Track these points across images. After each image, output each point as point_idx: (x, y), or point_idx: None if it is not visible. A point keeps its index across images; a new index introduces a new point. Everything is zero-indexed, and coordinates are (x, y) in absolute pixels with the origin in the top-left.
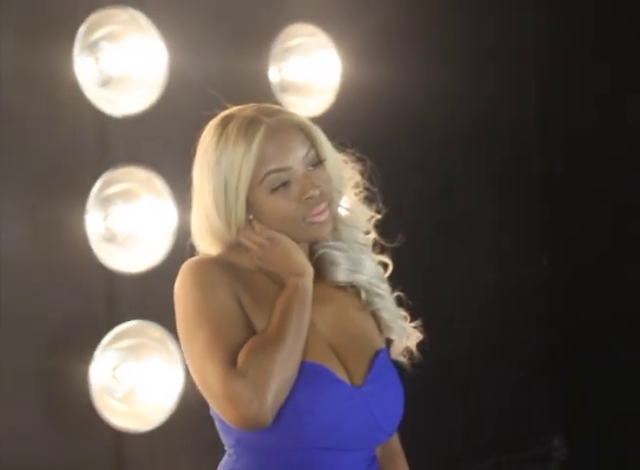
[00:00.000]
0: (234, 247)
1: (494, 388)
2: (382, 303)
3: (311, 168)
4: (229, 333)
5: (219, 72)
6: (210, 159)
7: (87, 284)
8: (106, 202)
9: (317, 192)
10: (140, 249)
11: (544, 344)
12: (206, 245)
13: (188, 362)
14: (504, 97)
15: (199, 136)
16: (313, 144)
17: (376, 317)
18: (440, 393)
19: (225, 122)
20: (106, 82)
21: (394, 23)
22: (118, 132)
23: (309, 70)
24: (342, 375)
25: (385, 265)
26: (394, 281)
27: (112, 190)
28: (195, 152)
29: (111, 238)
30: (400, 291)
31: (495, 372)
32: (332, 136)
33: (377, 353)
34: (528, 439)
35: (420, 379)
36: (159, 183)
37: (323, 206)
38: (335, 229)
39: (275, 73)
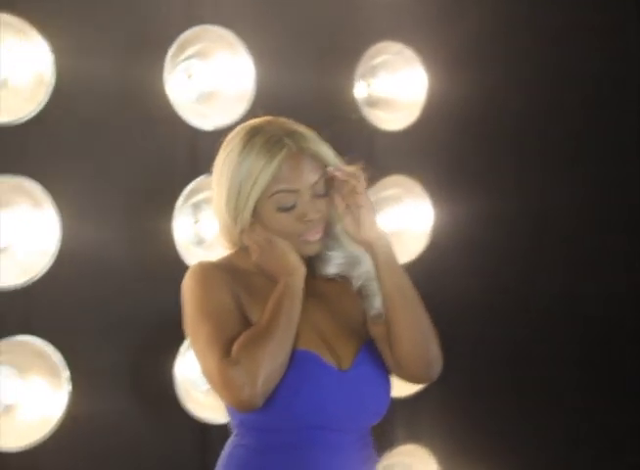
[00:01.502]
0: (240, 250)
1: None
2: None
3: (318, 196)
4: (226, 328)
5: (306, 88)
6: (233, 161)
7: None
8: (195, 208)
9: (317, 216)
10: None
11: None
12: (220, 242)
13: (194, 354)
14: (605, 108)
15: None
16: (324, 174)
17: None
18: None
19: (254, 133)
20: (197, 97)
21: (481, 34)
22: (208, 144)
23: (396, 86)
24: (330, 360)
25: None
26: None
27: (200, 197)
28: None
29: (199, 242)
30: None
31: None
32: (418, 149)
33: (364, 341)
34: None
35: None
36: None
37: (319, 229)
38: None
39: (362, 89)
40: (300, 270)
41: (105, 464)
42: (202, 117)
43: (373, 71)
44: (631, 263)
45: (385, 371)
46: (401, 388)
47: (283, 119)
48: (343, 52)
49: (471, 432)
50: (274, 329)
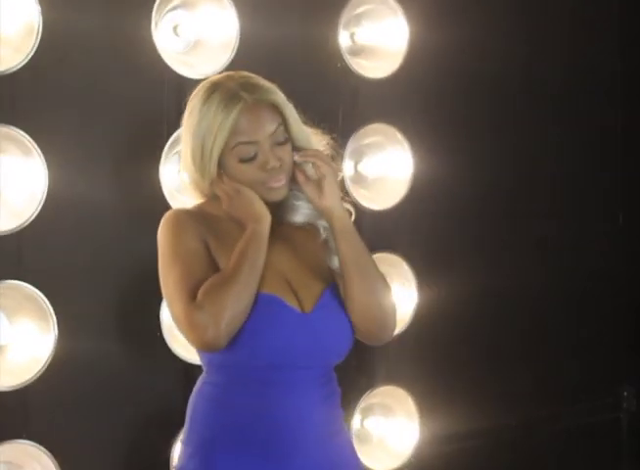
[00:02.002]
0: (211, 199)
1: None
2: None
3: (278, 144)
4: (194, 272)
5: (290, 38)
6: (194, 120)
7: None
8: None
9: (278, 164)
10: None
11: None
12: (191, 194)
13: (164, 297)
14: (586, 59)
15: None
16: (283, 122)
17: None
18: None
19: (211, 90)
20: (183, 47)
21: None
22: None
23: (378, 35)
24: (292, 303)
25: (349, 213)
26: None
27: None
28: None
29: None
30: None
31: (569, 321)
32: (402, 97)
33: (328, 285)
34: (599, 388)
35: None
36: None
37: (282, 176)
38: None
39: (346, 38)
40: (266, 218)
41: (91, 404)
42: (188, 66)
43: (356, 20)
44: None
45: (344, 315)
46: None
47: (242, 73)
48: (326, 1)
49: (447, 375)
50: (238, 274)
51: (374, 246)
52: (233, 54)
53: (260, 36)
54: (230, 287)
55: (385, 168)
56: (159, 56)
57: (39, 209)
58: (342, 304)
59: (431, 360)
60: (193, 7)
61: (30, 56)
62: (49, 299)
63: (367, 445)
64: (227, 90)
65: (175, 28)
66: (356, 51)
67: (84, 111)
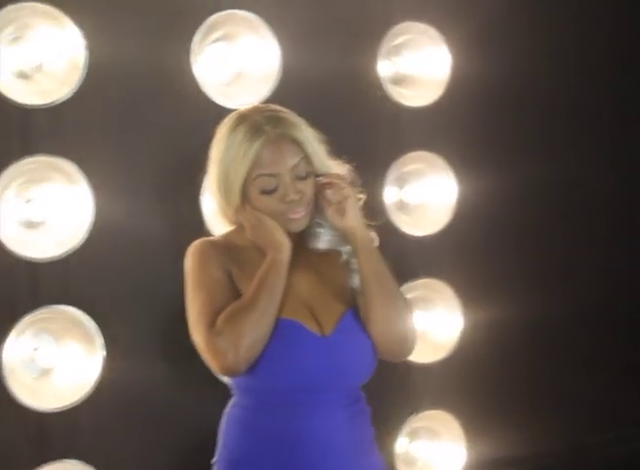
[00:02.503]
0: (238, 227)
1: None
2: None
3: (299, 178)
4: (216, 300)
5: (331, 68)
6: (220, 149)
7: None
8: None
9: (297, 197)
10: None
11: None
12: (219, 220)
13: (189, 323)
14: (630, 77)
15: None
16: (305, 156)
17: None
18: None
19: (238, 122)
20: (224, 79)
21: (503, 13)
22: None
23: (419, 64)
24: (312, 327)
25: (374, 239)
26: None
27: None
28: None
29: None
30: None
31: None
32: (443, 125)
33: (349, 308)
34: None
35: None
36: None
37: (301, 208)
38: None
39: (386, 67)
40: (286, 246)
41: (137, 425)
42: (229, 97)
43: (397, 50)
44: None
45: (365, 339)
46: (425, 355)
47: (270, 107)
48: (367, 32)
49: (493, 399)
50: (257, 301)
51: (417, 272)
52: (274, 85)
53: (302, 67)
54: (249, 314)
55: (427, 195)
56: (200, 88)
57: (86, 236)
58: (363, 326)
59: (476, 385)
60: (234, 39)
61: (76, 89)
62: (95, 322)
63: (412, 468)
64: (253, 123)
65: (217, 61)
66: (398, 80)
67: (127, 141)
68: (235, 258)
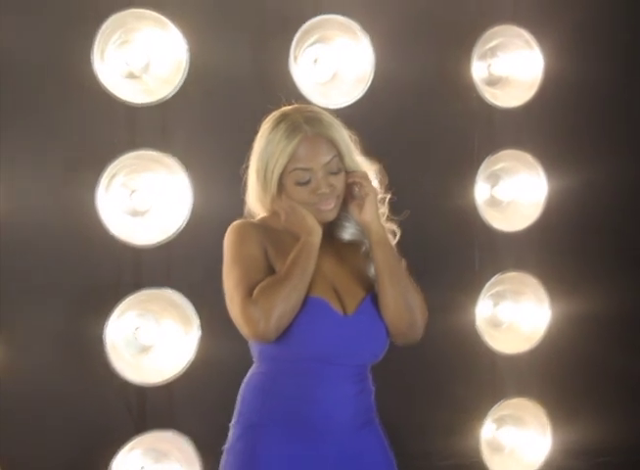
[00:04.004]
0: (273, 214)
1: None
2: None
3: (331, 173)
4: (252, 274)
5: (424, 70)
6: (262, 143)
7: None
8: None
9: (328, 190)
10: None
11: None
12: (255, 207)
13: (225, 294)
14: None
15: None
16: (338, 154)
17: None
18: None
19: (280, 119)
20: (321, 79)
21: (595, 17)
22: None
23: (513, 66)
24: (336, 307)
25: (393, 233)
26: None
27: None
28: None
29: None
30: None
31: None
32: (535, 124)
33: (369, 293)
34: None
35: None
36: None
37: (331, 200)
38: None
39: (481, 70)
40: (317, 231)
41: (228, 399)
42: (324, 97)
43: (491, 52)
44: None
45: (381, 321)
46: (513, 346)
47: (310, 108)
48: (461, 34)
49: (579, 390)
50: (290, 277)
51: (507, 265)
52: (367, 86)
53: (395, 69)
54: (282, 288)
55: (518, 192)
56: (297, 88)
57: (185, 224)
58: (378, 310)
59: (562, 375)
60: (330, 41)
61: (179, 87)
62: (193, 304)
63: (499, 454)
64: (292, 121)
65: (315, 61)
66: (492, 81)
67: (225, 136)
68: (271, 238)
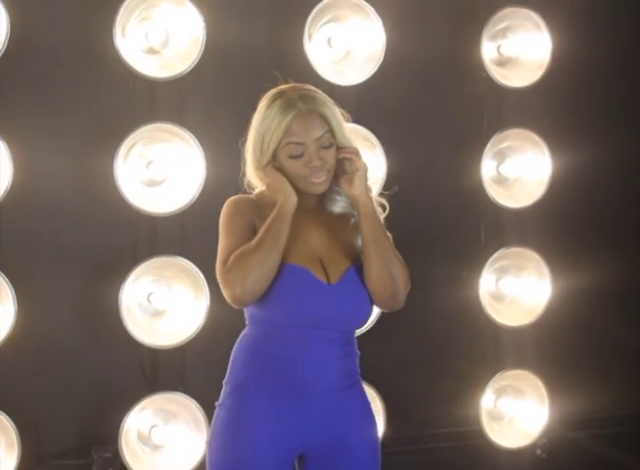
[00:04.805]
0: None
1: None
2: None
3: (323, 147)
4: (235, 245)
5: (435, 50)
6: (258, 118)
7: None
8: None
9: (319, 163)
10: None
11: None
12: (253, 180)
13: None
14: None
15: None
16: (330, 129)
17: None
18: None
19: (276, 97)
20: (334, 57)
21: (604, 1)
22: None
23: (522, 47)
24: (320, 276)
25: (383, 207)
26: None
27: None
28: None
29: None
30: None
31: None
32: (543, 104)
33: (353, 264)
34: None
35: None
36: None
37: (322, 173)
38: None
39: (491, 50)
40: (292, 197)
41: None
42: (339, 74)
43: (501, 34)
44: None
45: (364, 291)
46: (514, 319)
47: (305, 86)
48: (471, 15)
49: (577, 363)
50: (261, 243)
51: (511, 241)
52: (378, 64)
53: (406, 48)
54: (254, 254)
55: (524, 170)
56: (311, 66)
57: (198, 195)
58: (363, 280)
59: (562, 348)
60: (343, 20)
61: (195, 63)
62: (203, 272)
63: (499, 423)
64: (287, 98)
65: (329, 40)
66: (502, 62)
67: (240, 111)
68: (261, 213)
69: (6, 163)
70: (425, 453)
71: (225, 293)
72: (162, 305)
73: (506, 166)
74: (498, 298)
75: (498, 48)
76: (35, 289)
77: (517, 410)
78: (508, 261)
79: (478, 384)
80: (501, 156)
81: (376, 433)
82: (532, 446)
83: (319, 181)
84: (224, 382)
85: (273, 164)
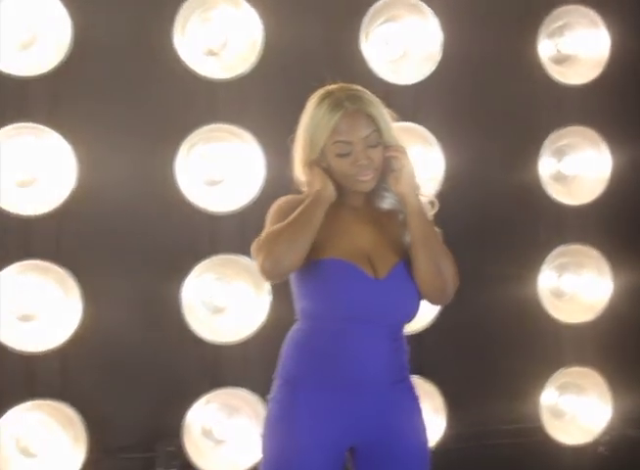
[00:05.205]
0: None
1: None
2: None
3: (370, 146)
4: None
5: (493, 48)
6: (307, 118)
7: None
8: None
9: (366, 162)
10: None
11: None
12: (301, 178)
13: None
14: None
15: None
16: (377, 129)
17: None
18: None
19: (324, 96)
20: (391, 57)
21: None
22: (401, 97)
23: (580, 45)
24: (368, 271)
25: (433, 204)
26: None
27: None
28: None
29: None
30: None
31: None
32: (601, 102)
33: (401, 260)
34: None
35: None
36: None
37: (369, 171)
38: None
39: (548, 48)
40: (329, 187)
41: None
42: (396, 74)
43: (559, 31)
44: None
45: (413, 285)
46: (575, 315)
47: (352, 86)
48: (527, 13)
49: (637, 357)
50: (292, 224)
51: (569, 238)
52: (436, 63)
53: (463, 46)
54: (283, 229)
55: (583, 167)
56: (368, 65)
57: (258, 193)
58: (411, 275)
59: (623, 345)
60: (399, 19)
61: (254, 64)
62: None
63: (560, 420)
64: (335, 98)
65: (386, 40)
66: (560, 60)
67: (298, 111)
68: None
69: (71, 163)
70: (485, 450)
71: (258, 266)
72: (223, 302)
73: (565, 164)
74: (558, 295)
75: (556, 46)
76: (100, 286)
77: (579, 407)
78: (568, 259)
79: (538, 381)
80: (560, 153)
81: (424, 427)
82: (594, 444)
83: (366, 179)
84: (275, 376)
85: (320, 162)
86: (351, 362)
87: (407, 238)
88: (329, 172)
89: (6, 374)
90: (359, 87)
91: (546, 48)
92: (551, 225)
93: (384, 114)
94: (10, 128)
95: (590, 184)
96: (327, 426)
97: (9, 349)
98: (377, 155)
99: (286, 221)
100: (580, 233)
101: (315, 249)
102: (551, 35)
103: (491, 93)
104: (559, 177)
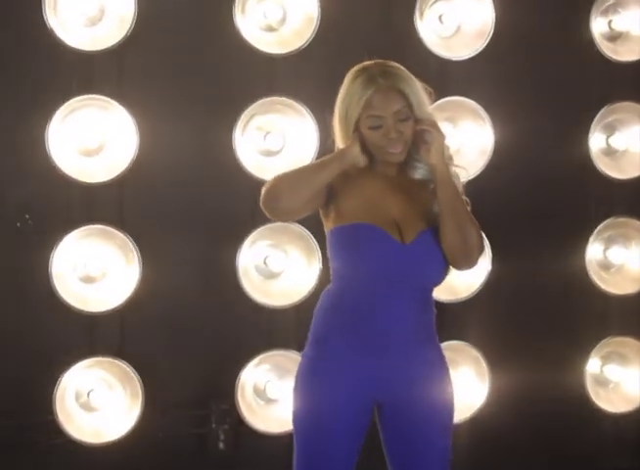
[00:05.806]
0: None
1: None
2: None
3: (401, 120)
4: None
5: (544, 24)
6: (343, 93)
7: None
8: None
9: (396, 136)
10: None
11: None
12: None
13: None
14: None
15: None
16: (408, 104)
17: None
18: None
19: (359, 73)
20: (444, 34)
21: None
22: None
23: (633, 22)
24: (395, 236)
25: (459, 176)
26: None
27: None
28: None
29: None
30: None
31: None
32: None
33: (429, 227)
34: None
35: None
36: None
37: (399, 144)
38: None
39: (601, 25)
40: (356, 148)
41: None
42: (448, 50)
43: (612, 8)
44: None
45: (439, 251)
46: (622, 287)
47: (387, 63)
48: None
49: None
50: (304, 168)
51: (618, 212)
52: (488, 39)
53: (515, 22)
54: (291, 173)
55: (633, 142)
56: (422, 41)
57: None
58: (438, 242)
59: None
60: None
61: (310, 40)
62: (316, 238)
63: (604, 388)
64: (369, 74)
65: (440, 17)
66: (613, 37)
67: None
68: (348, 176)
69: (132, 133)
70: (528, 417)
71: (264, 199)
72: (278, 267)
73: (615, 139)
74: (606, 267)
75: (609, 23)
76: (160, 250)
77: (622, 376)
78: (615, 231)
79: (583, 350)
80: (610, 128)
81: (451, 386)
82: (637, 412)
83: (396, 151)
84: (309, 333)
85: (358, 133)
86: (379, 322)
87: (437, 207)
88: (363, 143)
89: (69, 333)
90: (395, 64)
91: (599, 25)
92: (600, 199)
93: (417, 90)
94: (76, 100)
95: (638, 159)
96: (354, 383)
97: (72, 308)
98: (407, 129)
99: (299, 166)
100: (628, 207)
101: (347, 214)
102: (604, 12)
103: (543, 69)
104: (609, 152)
